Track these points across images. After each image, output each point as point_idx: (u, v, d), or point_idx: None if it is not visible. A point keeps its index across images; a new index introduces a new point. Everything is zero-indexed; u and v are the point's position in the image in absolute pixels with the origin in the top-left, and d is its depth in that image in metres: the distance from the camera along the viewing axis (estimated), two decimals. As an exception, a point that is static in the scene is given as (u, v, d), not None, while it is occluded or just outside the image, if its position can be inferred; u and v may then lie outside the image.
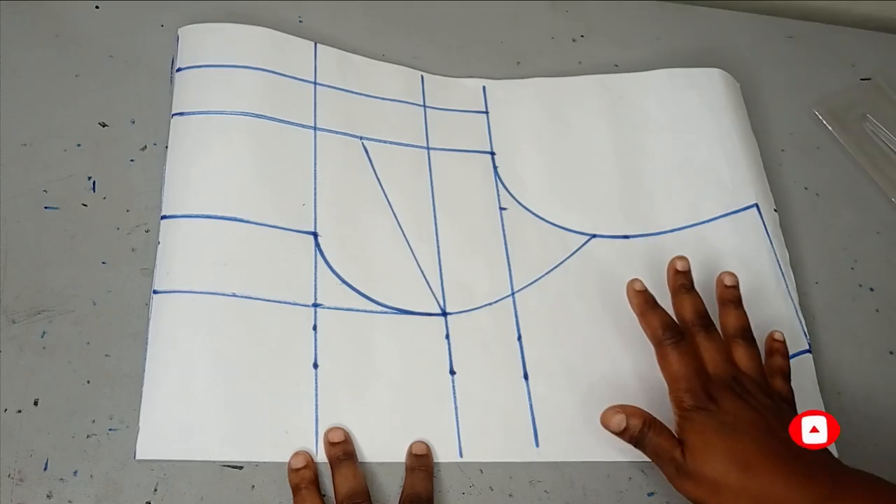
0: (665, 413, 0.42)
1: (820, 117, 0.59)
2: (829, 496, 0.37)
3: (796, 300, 0.50)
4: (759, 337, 0.45)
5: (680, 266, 0.47)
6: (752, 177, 0.54)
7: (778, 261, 0.51)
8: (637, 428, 0.41)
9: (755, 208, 0.52)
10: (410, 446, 0.42)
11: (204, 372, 0.42)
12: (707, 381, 0.41)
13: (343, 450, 0.41)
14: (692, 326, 0.44)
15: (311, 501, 0.39)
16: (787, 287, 0.50)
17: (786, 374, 0.44)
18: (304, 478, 0.40)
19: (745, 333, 0.44)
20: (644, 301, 0.45)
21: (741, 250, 0.51)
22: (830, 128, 0.59)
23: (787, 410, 0.42)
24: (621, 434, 0.42)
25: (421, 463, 0.42)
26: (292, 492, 0.40)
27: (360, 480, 0.40)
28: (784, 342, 0.46)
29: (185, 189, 0.46)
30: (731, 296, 0.46)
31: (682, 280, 0.46)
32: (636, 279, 0.46)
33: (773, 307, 0.49)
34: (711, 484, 0.38)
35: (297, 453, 0.41)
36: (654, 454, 0.41)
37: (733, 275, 0.47)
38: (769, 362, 0.45)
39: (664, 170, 0.54)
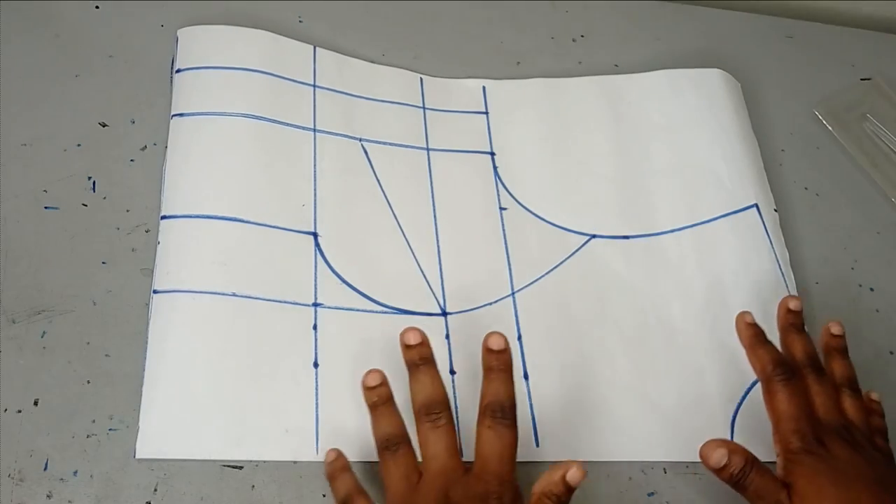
0: (660, 416, 0.42)
1: (820, 117, 0.59)
2: None
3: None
4: (737, 351, 0.45)
5: (793, 305, 0.45)
6: (752, 177, 0.54)
7: (778, 261, 0.51)
8: (738, 467, 0.38)
9: (755, 208, 0.52)
10: (487, 339, 0.40)
11: (204, 371, 0.42)
12: (816, 425, 0.40)
13: (419, 353, 0.39)
14: (803, 368, 0.42)
15: (389, 416, 0.38)
16: (788, 287, 0.50)
17: (885, 434, 0.43)
18: (380, 395, 0.39)
19: (853, 385, 0.43)
20: (754, 335, 0.44)
21: (741, 251, 0.51)
22: (830, 128, 0.59)
23: (894, 466, 0.41)
24: (720, 471, 0.39)
25: (501, 361, 0.39)
26: (370, 410, 0.39)
27: (439, 387, 0.39)
28: (880, 403, 0.45)
29: (185, 189, 0.46)
30: (837, 345, 0.45)
31: (793, 319, 0.45)
32: (747, 312, 0.45)
33: (773, 308, 0.49)
34: None
35: (371, 371, 0.40)
36: (756, 496, 0.38)
37: (839, 324, 0.46)
38: (868, 421, 0.43)
39: (664, 170, 0.54)
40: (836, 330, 0.46)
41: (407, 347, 0.40)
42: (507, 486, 0.36)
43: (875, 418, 0.44)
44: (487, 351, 0.40)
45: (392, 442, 0.38)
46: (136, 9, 0.54)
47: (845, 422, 0.41)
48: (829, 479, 0.38)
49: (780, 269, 0.50)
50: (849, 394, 0.42)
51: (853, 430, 0.41)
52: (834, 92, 0.61)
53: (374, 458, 0.42)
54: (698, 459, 0.44)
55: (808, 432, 0.39)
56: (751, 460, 0.39)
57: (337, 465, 0.40)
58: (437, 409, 0.38)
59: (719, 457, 0.39)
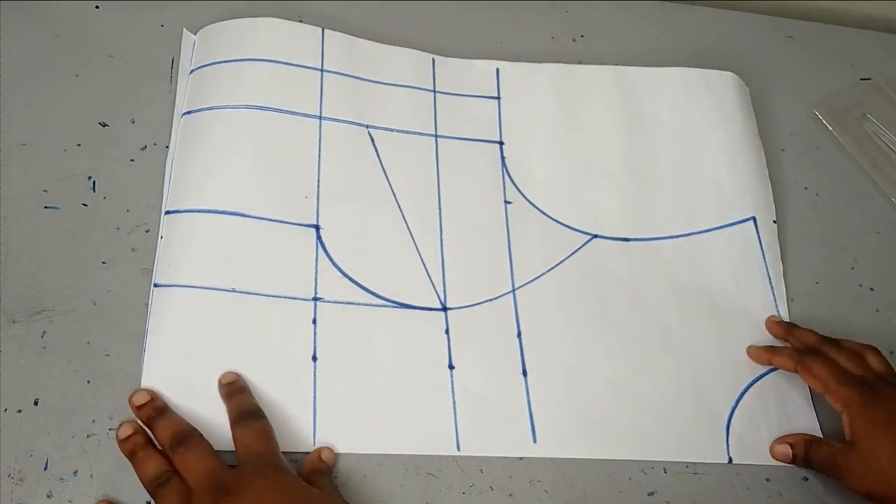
0: (658, 415, 0.42)
1: (820, 117, 0.59)
2: None
3: (786, 315, 0.50)
4: (731, 356, 0.49)
5: (780, 319, 0.50)
6: (755, 188, 0.54)
7: (769, 274, 0.51)
8: (801, 449, 0.44)
9: (752, 221, 0.52)
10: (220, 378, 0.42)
11: (202, 365, 0.42)
12: (856, 379, 0.44)
13: (152, 407, 0.40)
14: (821, 346, 0.47)
15: (149, 458, 0.38)
16: (776, 300, 0.50)
17: None
18: (135, 442, 0.39)
19: (871, 347, 0.47)
20: (784, 326, 0.49)
21: (732, 263, 0.51)
22: (830, 128, 0.59)
23: None
24: (793, 462, 0.45)
25: (234, 388, 0.41)
26: (129, 459, 0.39)
27: (181, 422, 0.40)
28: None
29: (188, 184, 0.47)
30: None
31: (786, 324, 0.50)
32: (773, 316, 0.50)
33: (759, 320, 0.50)
34: (881, 475, 0.41)
35: (122, 424, 0.40)
36: (821, 466, 0.44)
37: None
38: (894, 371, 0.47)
39: (669, 175, 0.54)
40: (224, 378, 0.43)
41: (138, 408, 0.40)
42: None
43: None
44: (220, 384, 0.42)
45: (162, 478, 0.37)
46: (136, 9, 0.54)
47: (877, 374, 0.45)
48: (884, 424, 0.42)
49: (770, 283, 0.51)
50: (871, 352, 0.46)
51: (887, 377, 0.45)
52: (834, 92, 0.61)
53: (372, 450, 0.42)
54: (698, 459, 0.45)
55: (856, 381, 0.44)
56: (808, 441, 0.45)
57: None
58: (185, 436, 0.39)
59: (784, 450, 0.45)
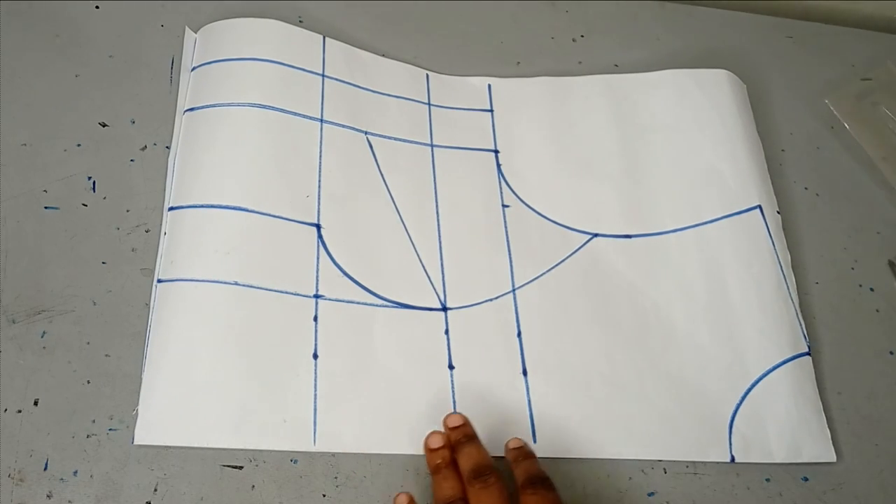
0: (659, 415, 0.42)
1: (830, 107, 0.59)
2: None
3: (797, 303, 0.50)
4: (739, 349, 0.47)
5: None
6: (756, 178, 0.54)
7: (780, 263, 0.51)
8: None
9: (758, 210, 0.52)
10: (508, 443, 0.42)
11: (204, 360, 0.42)
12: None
13: (463, 433, 0.42)
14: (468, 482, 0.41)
15: (450, 479, 0.40)
16: (789, 289, 0.50)
17: None
18: (443, 457, 0.41)
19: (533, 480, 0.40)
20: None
21: (743, 252, 0.51)
22: (840, 117, 0.58)
23: None
24: None
25: (522, 453, 0.41)
26: (431, 471, 0.41)
27: (485, 455, 0.40)
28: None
29: (192, 181, 0.47)
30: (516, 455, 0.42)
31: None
32: (512, 439, 0.43)
33: (773, 310, 0.49)
34: None
35: (433, 433, 0.42)
36: None
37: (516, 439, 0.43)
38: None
39: (667, 170, 0.54)
40: (513, 444, 0.43)
41: (452, 429, 0.42)
42: None
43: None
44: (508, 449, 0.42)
45: (454, 502, 0.39)
46: (136, 9, 0.54)
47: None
48: None
49: (782, 272, 0.50)
50: (530, 491, 0.39)
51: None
52: (844, 83, 0.61)
53: (371, 450, 0.42)
54: (698, 459, 0.45)
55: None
56: None
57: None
58: (485, 471, 0.39)
59: None
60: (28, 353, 0.42)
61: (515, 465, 0.41)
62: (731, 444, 0.45)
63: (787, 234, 0.53)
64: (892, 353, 0.51)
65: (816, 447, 0.46)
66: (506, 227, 0.50)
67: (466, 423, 0.42)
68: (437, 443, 0.41)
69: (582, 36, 0.61)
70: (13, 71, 0.50)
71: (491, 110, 0.55)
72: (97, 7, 0.54)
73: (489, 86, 0.56)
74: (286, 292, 0.45)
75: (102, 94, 0.50)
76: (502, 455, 0.42)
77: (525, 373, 0.46)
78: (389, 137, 0.52)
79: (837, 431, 0.47)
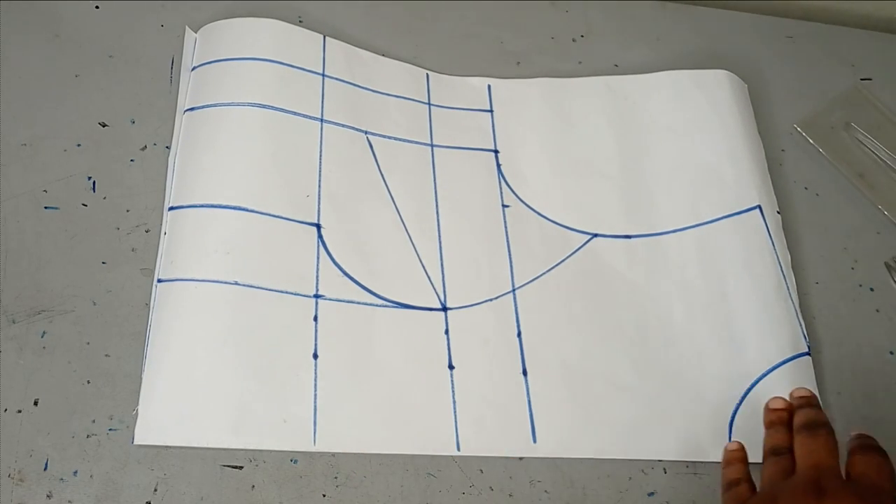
0: (659, 415, 0.42)
1: (801, 132, 0.58)
2: None
3: (797, 303, 0.50)
4: (740, 348, 0.47)
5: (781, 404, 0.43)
6: (756, 178, 0.54)
7: (780, 263, 0.51)
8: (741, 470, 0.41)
9: (758, 210, 0.52)
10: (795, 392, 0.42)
11: (204, 359, 0.42)
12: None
13: (807, 400, 0.41)
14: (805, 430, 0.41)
15: (783, 434, 0.40)
16: (788, 289, 0.50)
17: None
18: (780, 418, 0.41)
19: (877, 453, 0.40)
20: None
21: (743, 251, 0.51)
22: (812, 141, 0.57)
23: None
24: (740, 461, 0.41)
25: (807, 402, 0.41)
26: (766, 426, 0.41)
27: (822, 415, 0.40)
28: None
29: (192, 180, 0.47)
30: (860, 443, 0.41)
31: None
32: (776, 397, 0.43)
33: (773, 310, 0.49)
34: None
35: (776, 397, 0.42)
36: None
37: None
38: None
39: (667, 170, 0.54)
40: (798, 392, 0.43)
41: (797, 398, 0.42)
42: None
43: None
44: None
45: (780, 450, 0.39)
46: (136, 9, 0.54)
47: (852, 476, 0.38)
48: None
49: (782, 271, 0.50)
50: (871, 455, 0.38)
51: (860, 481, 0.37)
52: (814, 106, 0.59)
53: (371, 450, 0.42)
54: (698, 459, 0.45)
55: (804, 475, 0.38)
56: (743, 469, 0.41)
57: (735, 455, 0.41)
58: (818, 424, 0.39)
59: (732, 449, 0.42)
60: (28, 353, 0.42)
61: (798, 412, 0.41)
62: None
63: (787, 233, 0.53)
64: (892, 353, 0.51)
65: (816, 447, 0.46)
66: (506, 228, 0.51)
67: (813, 395, 0.42)
68: (778, 405, 0.41)
69: (582, 36, 0.61)
70: (13, 71, 0.50)
71: (491, 111, 0.55)
72: (97, 7, 0.54)
73: (489, 86, 0.56)
74: (286, 292, 0.45)
75: (102, 94, 0.50)
76: (539, 457, 0.42)
77: (525, 373, 0.46)
78: (389, 137, 0.52)
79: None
